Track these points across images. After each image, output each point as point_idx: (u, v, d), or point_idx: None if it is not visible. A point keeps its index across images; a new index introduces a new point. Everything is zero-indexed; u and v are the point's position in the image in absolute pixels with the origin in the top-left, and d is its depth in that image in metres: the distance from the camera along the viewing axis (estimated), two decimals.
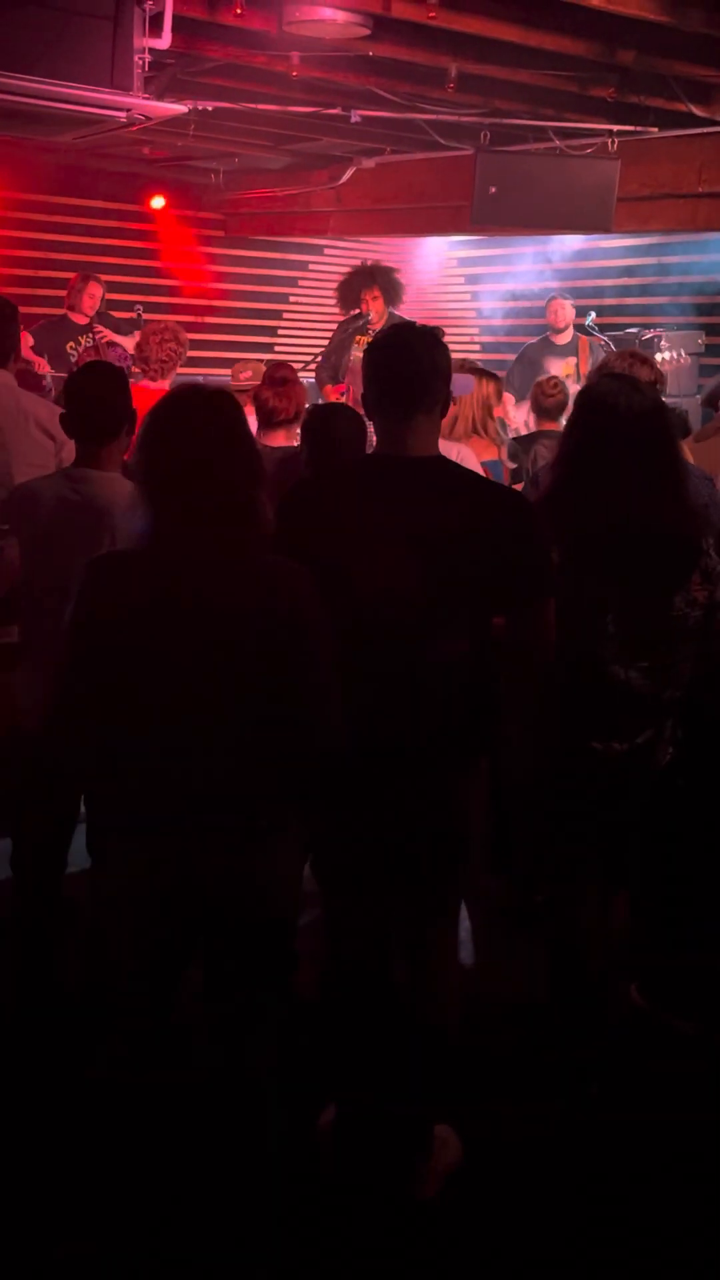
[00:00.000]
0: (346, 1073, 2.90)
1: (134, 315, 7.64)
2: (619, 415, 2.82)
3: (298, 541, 2.58)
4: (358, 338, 7.36)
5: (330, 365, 7.54)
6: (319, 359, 7.47)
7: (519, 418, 6.00)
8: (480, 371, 4.69)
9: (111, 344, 7.22)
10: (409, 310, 8.87)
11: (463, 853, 2.78)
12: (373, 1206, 2.80)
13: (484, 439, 4.57)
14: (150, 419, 2.32)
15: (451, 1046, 2.85)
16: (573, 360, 7.74)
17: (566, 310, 7.91)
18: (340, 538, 2.58)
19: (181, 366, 5.48)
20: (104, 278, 8.12)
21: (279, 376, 4.46)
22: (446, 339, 2.99)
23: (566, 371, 7.55)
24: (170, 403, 2.34)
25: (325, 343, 8.31)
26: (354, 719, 2.49)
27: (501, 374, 5.34)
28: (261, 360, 7.83)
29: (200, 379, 7.57)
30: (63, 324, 7.47)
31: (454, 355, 2.85)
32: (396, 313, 7.62)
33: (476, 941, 3.94)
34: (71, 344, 7.33)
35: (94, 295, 7.51)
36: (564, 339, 7.88)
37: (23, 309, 9.08)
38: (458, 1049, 2.87)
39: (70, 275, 8.00)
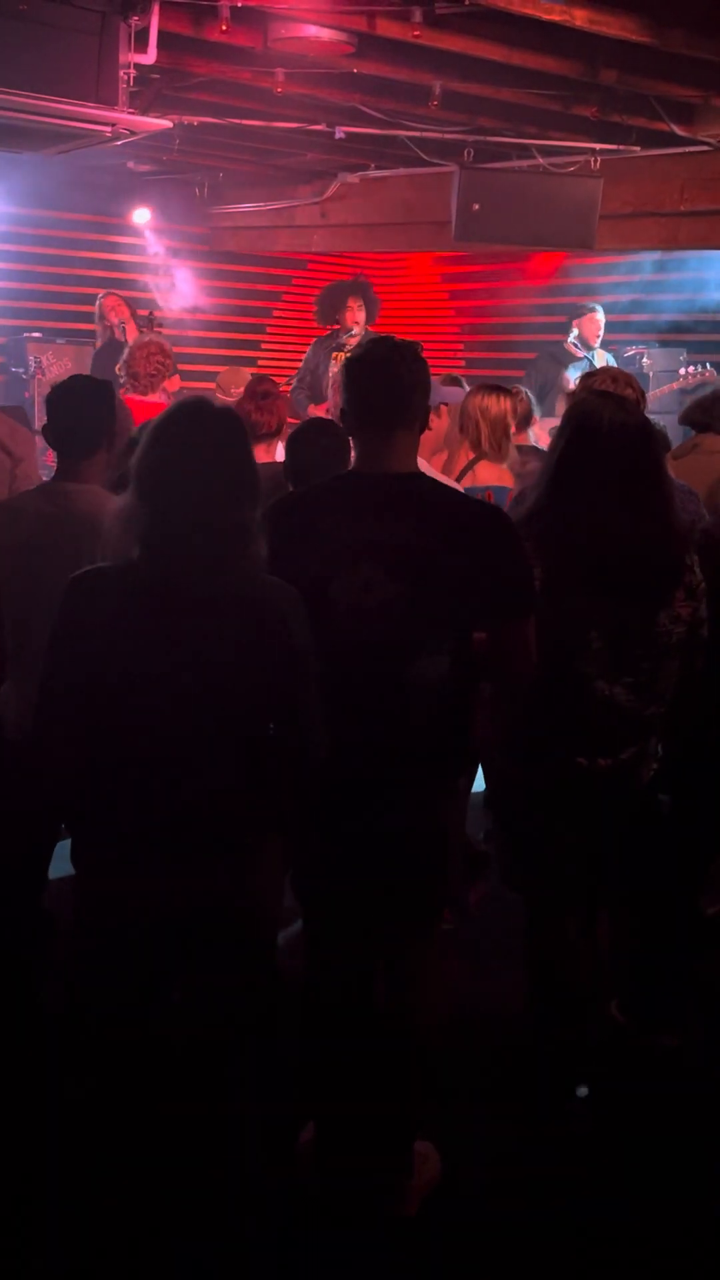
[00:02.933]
0: (327, 1090, 2.89)
1: (145, 314, 7.68)
2: (604, 432, 2.83)
3: (277, 558, 2.58)
4: (335, 354, 7.38)
5: (307, 385, 7.56)
6: (294, 380, 7.50)
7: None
8: (495, 388, 4.59)
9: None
10: (394, 325, 8.89)
11: (442, 871, 2.78)
12: (352, 1224, 2.79)
13: (493, 462, 4.50)
14: (163, 423, 2.29)
15: (432, 1064, 2.84)
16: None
17: (599, 326, 7.86)
18: (319, 555, 2.58)
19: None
20: (88, 291, 8.13)
21: (261, 390, 4.48)
22: (430, 355, 2.99)
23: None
24: (184, 411, 2.32)
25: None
26: (334, 734, 2.49)
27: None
28: (250, 372, 7.86)
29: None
30: (110, 347, 7.49)
31: (440, 371, 2.85)
32: (370, 330, 7.65)
33: (457, 958, 3.93)
34: (120, 366, 7.34)
35: (114, 308, 7.53)
36: (579, 351, 7.85)
37: (5, 321, 9.13)
38: (438, 1066, 2.86)
39: (52, 288, 7.99)
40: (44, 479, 4.16)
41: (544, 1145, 3.02)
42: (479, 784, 4.23)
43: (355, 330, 7.52)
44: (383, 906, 2.78)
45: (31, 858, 3.31)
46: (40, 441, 4.27)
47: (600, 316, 7.84)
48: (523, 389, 5.52)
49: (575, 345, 7.81)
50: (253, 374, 6.36)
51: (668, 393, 7.51)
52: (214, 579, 2.23)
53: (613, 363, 7.68)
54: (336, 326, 7.73)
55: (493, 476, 4.47)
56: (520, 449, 5.25)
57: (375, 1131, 2.85)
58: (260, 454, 4.36)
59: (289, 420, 4.86)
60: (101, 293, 7.85)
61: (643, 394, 4.29)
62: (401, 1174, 2.84)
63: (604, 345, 8.27)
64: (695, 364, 7.66)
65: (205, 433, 2.27)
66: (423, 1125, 2.92)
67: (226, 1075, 2.44)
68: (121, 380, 5.59)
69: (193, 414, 2.31)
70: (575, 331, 7.83)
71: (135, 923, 2.31)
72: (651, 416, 4.11)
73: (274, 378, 6.01)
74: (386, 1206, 2.81)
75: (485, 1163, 2.98)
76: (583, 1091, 3.10)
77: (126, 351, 5.45)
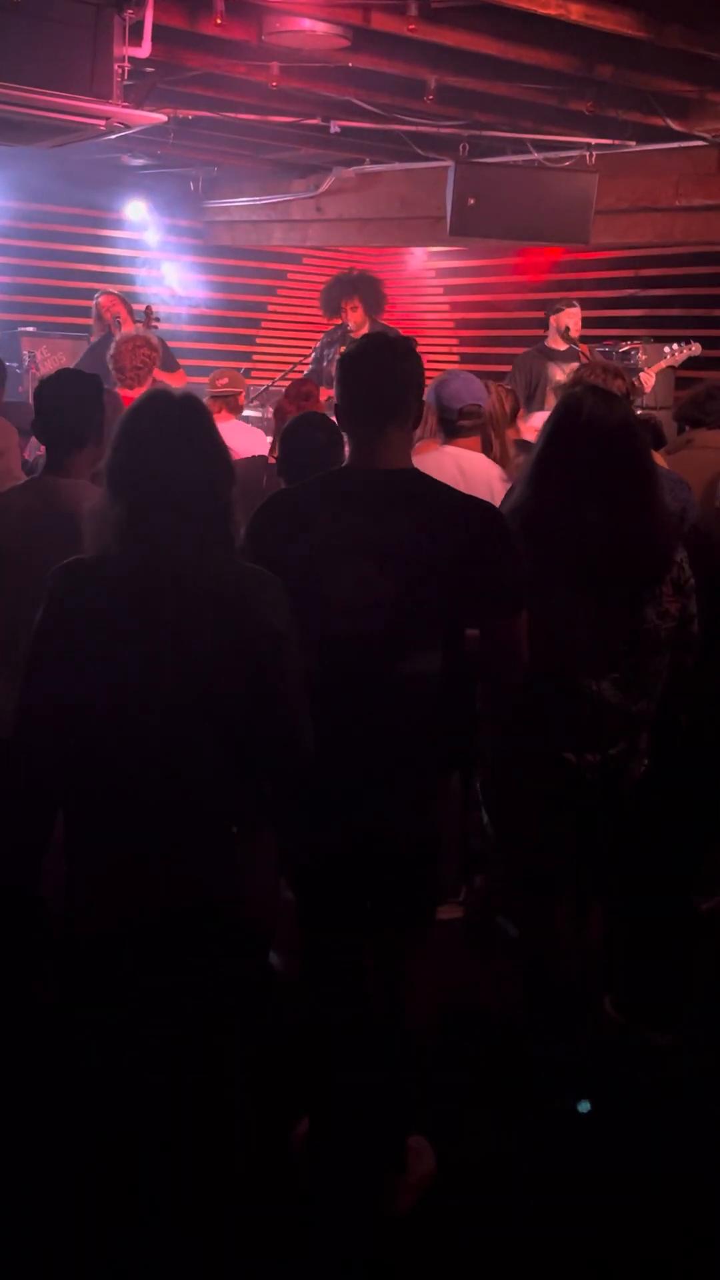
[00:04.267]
0: (320, 1085, 2.89)
1: (144, 308, 7.66)
2: (589, 427, 2.83)
3: (269, 553, 2.58)
4: (339, 348, 7.39)
5: (314, 375, 7.57)
6: (309, 375, 7.50)
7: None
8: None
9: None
10: (389, 320, 8.86)
11: (435, 866, 2.78)
12: (347, 1220, 2.79)
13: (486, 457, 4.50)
14: (125, 419, 2.30)
15: (426, 1060, 2.84)
16: (575, 366, 7.65)
17: (577, 318, 7.83)
18: (311, 550, 2.57)
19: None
20: (83, 285, 8.09)
21: (303, 391, 4.50)
22: (425, 349, 2.98)
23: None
24: (144, 404, 2.32)
25: (303, 351, 8.34)
26: (325, 732, 2.49)
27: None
28: (239, 367, 7.86)
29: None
30: (104, 343, 7.44)
31: (437, 366, 2.84)
32: (380, 321, 7.63)
33: (450, 953, 3.94)
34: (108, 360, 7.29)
35: (108, 306, 7.48)
36: (562, 345, 7.83)
37: (0, 315, 9.09)
38: (433, 1062, 2.86)
39: (46, 282, 7.90)
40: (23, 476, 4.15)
41: (538, 1141, 3.02)
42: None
43: (353, 327, 7.52)
44: (376, 901, 2.78)
45: (25, 849, 3.31)
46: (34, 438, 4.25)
47: (577, 309, 7.82)
48: (509, 388, 5.50)
49: (565, 340, 7.79)
50: (294, 378, 6.29)
51: (662, 375, 7.45)
52: (190, 568, 2.23)
53: (597, 357, 7.65)
54: (339, 320, 7.72)
55: None
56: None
57: (369, 1127, 2.85)
58: None
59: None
60: (99, 291, 7.84)
61: (633, 385, 4.25)
62: (395, 1170, 2.84)
63: (600, 340, 8.26)
64: (679, 340, 7.61)
65: (169, 424, 2.27)
66: (417, 1121, 2.92)
67: (219, 1068, 2.44)
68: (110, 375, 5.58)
69: (156, 406, 2.31)
70: (568, 326, 7.81)
71: (123, 914, 2.31)
72: (648, 409, 4.06)
73: (269, 372, 6.02)
74: (380, 1203, 2.81)
75: (480, 1159, 2.99)
76: (584, 1107, 3.10)
77: (113, 346, 5.43)
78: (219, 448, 2.32)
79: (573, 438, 2.83)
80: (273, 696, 2.29)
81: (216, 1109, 2.45)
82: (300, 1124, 2.97)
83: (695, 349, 7.37)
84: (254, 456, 4.60)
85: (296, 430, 3.67)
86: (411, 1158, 2.88)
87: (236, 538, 2.35)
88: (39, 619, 2.30)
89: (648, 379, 7.39)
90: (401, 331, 6.98)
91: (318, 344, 7.94)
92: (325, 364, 7.56)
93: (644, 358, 7.98)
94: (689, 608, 2.92)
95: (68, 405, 3.21)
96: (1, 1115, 3.00)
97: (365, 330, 7.52)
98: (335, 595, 2.55)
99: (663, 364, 7.39)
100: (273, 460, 4.26)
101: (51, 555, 2.81)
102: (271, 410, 4.67)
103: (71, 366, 6.74)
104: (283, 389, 8.11)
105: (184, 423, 2.28)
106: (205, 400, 5.86)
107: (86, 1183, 2.51)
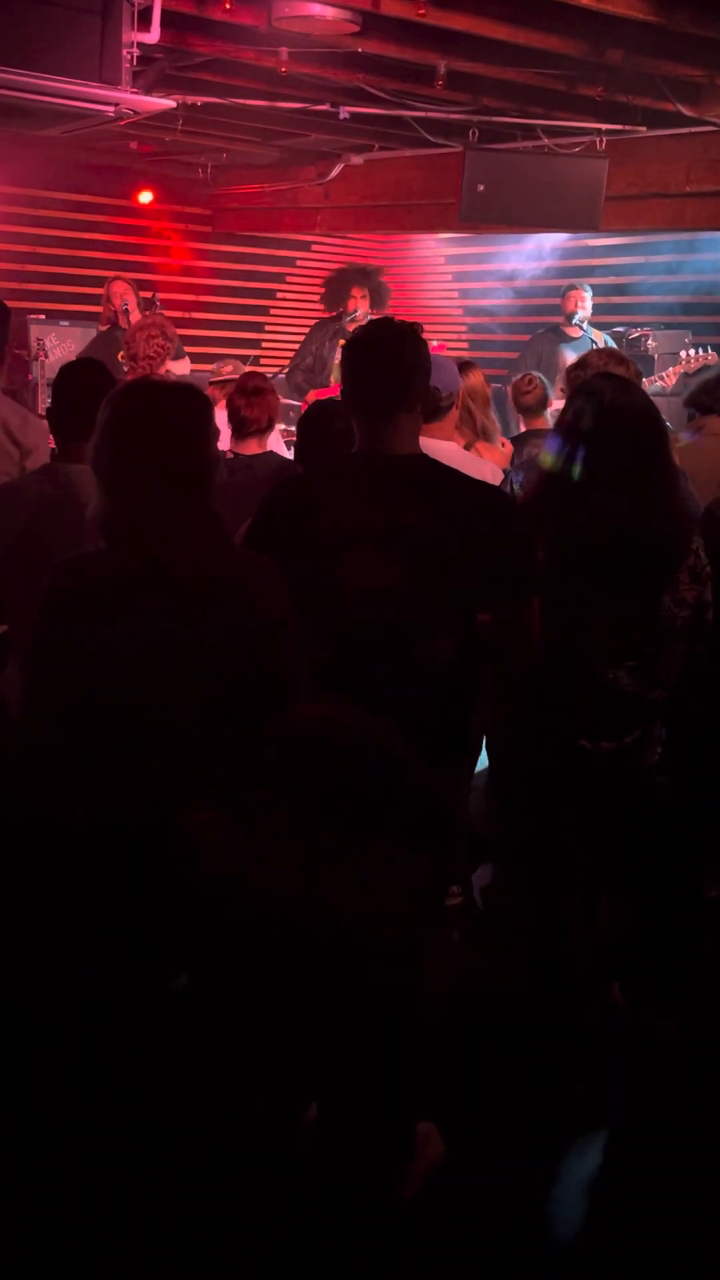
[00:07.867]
0: (329, 1069, 2.90)
1: (149, 295, 7.64)
2: (610, 414, 2.82)
3: (282, 540, 2.58)
4: (341, 340, 7.38)
5: (306, 369, 7.54)
6: (293, 365, 7.49)
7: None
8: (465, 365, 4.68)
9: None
10: (398, 307, 8.85)
11: (447, 852, 2.78)
12: (354, 1205, 2.80)
13: (487, 442, 4.53)
14: (109, 407, 2.25)
15: (435, 1044, 2.85)
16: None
17: (587, 301, 7.81)
18: (325, 537, 2.57)
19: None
20: (91, 273, 8.07)
21: (251, 386, 4.45)
22: (435, 336, 2.99)
23: None
24: (126, 391, 2.29)
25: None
26: None
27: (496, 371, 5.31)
28: (246, 356, 7.84)
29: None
30: (108, 336, 7.41)
31: (446, 353, 2.84)
32: (374, 315, 7.64)
33: (458, 938, 3.94)
34: (122, 354, 7.28)
35: (120, 294, 7.44)
36: (577, 331, 7.79)
37: (10, 303, 9.10)
38: (441, 1047, 2.87)
39: (55, 269, 7.87)
40: None
41: (546, 1127, 3.03)
42: (482, 762, 4.24)
43: (357, 314, 7.52)
44: None
45: (35, 835, 3.31)
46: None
47: (587, 294, 7.81)
48: (538, 375, 5.51)
49: (579, 326, 7.77)
50: (248, 369, 6.30)
51: (675, 376, 7.48)
52: (178, 559, 2.20)
53: (610, 343, 7.66)
54: (339, 311, 7.72)
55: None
56: (537, 433, 5.24)
57: (378, 1112, 2.86)
58: (252, 447, 4.34)
59: (288, 403, 4.82)
60: (111, 275, 7.82)
61: (639, 374, 4.25)
62: (403, 1155, 2.85)
63: (611, 327, 8.25)
64: (698, 346, 7.62)
65: (153, 415, 2.23)
66: (425, 1106, 2.93)
67: (226, 1052, 2.44)
68: (124, 363, 5.56)
69: (141, 397, 2.27)
70: (580, 313, 7.78)
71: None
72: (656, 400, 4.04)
73: (279, 359, 5.98)
74: (388, 1187, 2.82)
75: (488, 1144, 2.99)
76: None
77: (128, 334, 5.42)
78: (207, 440, 2.27)
79: (593, 424, 2.83)
80: (273, 685, 2.28)
81: (224, 1091, 2.46)
82: (308, 1108, 2.98)
83: (712, 357, 7.39)
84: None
85: (313, 420, 3.67)
86: (419, 1142, 2.89)
87: (223, 527, 2.32)
88: (38, 616, 2.28)
89: (670, 378, 7.42)
90: (411, 319, 6.97)
91: (307, 336, 7.91)
92: (326, 355, 7.55)
93: (654, 344, 7.97)
94: (704, 595, 2.92)
95: (83, 393, 3.21)
96: (12, 1094, 3.02)
97: (361, 320, 7.52)
98: (348, 582, 2.55)
99: (679, 368, 7.41)
100: (230, 454, 4.26)
101: (68, 541, 2.81)
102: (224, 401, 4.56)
103: (78, 355, 6.77)
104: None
105: (162, 411, 2.23)
106: (208, 388, 5.84)
107: (90, 1171, 2.52)
